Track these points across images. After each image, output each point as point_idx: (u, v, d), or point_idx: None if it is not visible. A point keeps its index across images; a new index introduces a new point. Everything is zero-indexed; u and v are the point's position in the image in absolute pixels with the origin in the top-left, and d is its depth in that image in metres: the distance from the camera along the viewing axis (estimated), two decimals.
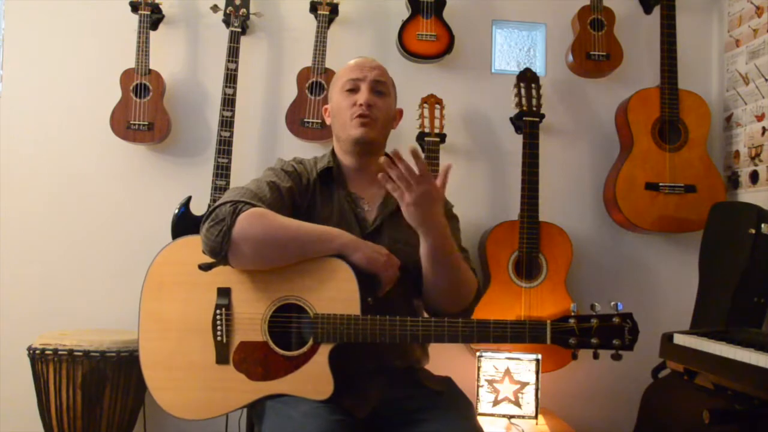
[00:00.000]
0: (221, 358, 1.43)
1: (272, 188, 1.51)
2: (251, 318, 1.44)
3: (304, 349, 1.41)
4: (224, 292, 1.45)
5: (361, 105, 1.59)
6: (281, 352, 1.42)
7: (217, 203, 1.44)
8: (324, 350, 1.40)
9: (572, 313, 1.41)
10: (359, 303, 1.40)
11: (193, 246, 1.45)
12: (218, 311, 1.44)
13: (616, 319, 1.40)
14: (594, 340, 1.39)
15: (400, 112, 1.76)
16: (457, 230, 1.69)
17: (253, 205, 1.43)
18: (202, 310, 1.45)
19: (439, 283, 1.50)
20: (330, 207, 1.59)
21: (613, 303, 1.41)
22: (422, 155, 1.39)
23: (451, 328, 1.40)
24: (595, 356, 1.41)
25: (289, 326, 1.44)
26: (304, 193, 1.59)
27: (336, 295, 1.42)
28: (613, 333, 1.39)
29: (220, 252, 1.39)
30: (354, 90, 1.62)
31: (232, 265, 1.43)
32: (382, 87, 1.64)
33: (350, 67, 1.66)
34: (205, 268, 1.44)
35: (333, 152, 1.69)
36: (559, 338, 1.40)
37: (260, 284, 1.45)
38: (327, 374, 1.39)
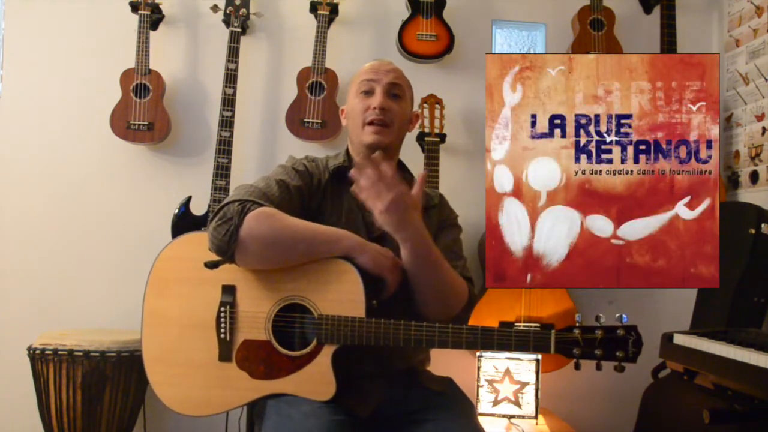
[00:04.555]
0: (224, 356, 1.43)
1: (281, 187, 1.50)
2: (255, 316, 1.43)
3: (308, 349, 1.41)
4: (229, 290, 1.45)
5: (374, 109, 1.57)
6: (284, 351, 1.42)
7: (225, 201, 1.43)
8: (327, 351, 1.40)
9: (576, 324, 1.41)
10: (364, 305, 1.40)
11: (198, 242, 1.45)
12: (222, 308, 1.44)
13: (620, 331, 1.39)
14: (598, 352, 1.39)
15: (417, 116, 1.72)
16: (458, 240, 1.68)
17: (261, 205, 1.41)
18: (206, 306, 1.45)
19: (422, 290, 1.47)
20: (339, 209, 1.57)
21: (618, 315, 1.41)
22: (384, 163, 1.36)
23: (455, 335, 1.39)
24: (598, 368, 1.40)
25: (293, 326, 1.44)
26: (314, 193, 1.58)
27: (341, 296, 1.41)
28: (617, 345, 1.39)
29: (227, 251, 1.38)
30: (368, 92, 1.60)
31: (239, 264, 1.42)
32: (397, 90, 1.61)
33: (366, 69, 1.64)
34: (211, 266, 1.44)
35: (348, 151, 1.67)
36: (563, 348, 1.39)
37: (265, 283, 1.44)
38: (330, 375, 1.39)
